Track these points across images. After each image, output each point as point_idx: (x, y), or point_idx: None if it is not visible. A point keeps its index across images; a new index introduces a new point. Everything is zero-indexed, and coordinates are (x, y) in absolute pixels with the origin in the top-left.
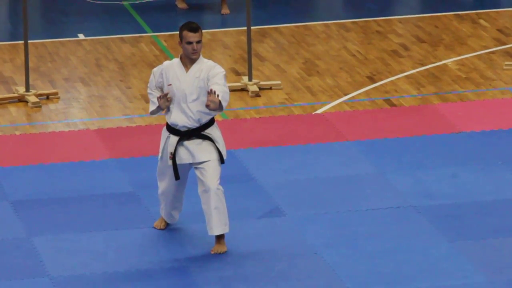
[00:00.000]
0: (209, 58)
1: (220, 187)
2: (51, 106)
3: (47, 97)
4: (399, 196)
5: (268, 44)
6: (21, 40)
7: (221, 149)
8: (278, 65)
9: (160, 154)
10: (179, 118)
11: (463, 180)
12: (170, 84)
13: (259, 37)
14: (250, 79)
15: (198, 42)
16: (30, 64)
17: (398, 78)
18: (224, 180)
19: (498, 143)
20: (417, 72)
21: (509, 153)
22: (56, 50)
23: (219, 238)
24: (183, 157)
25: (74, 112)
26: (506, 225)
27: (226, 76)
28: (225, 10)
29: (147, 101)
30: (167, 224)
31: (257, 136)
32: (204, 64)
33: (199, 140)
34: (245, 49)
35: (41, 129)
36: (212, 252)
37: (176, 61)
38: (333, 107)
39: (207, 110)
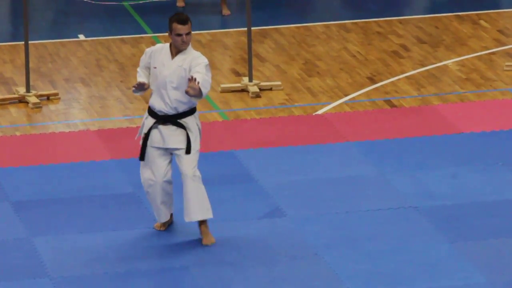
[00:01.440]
0: (210, 58)
1: (197, 173)
2: (52, 106)
3: (48, 97)
4: (399, 197)
5: (269, 45)
6: (21, 40)
7: (192, 139)
8: (278, 66)
9: (137, 135)
10: (157, 103)
11: (464, 181)
12: (155, 67)
13: (260, 37)
14: (250, 80)
15: (187, 34)
16: (31, 65)
17: (398, 79)
18: (224, 180)
19: (498, 144)
20: (418, 73)
21: (510, 154)
22: (57, 50)
23: (203, 229)
24: (155, 139)
25: (75, 112)
26: (507, 225)
27: (208, 66)
28: (226, 11)
29: (147, 101)
30: (168, 225)
31: (258, 136)
32: (190, 55)
33: (174, 127)
34: (246, 49)
35: (42, 129)
36: (204, 244)
37: (166, 46)
38: (333, 107)
39: (185, 100)
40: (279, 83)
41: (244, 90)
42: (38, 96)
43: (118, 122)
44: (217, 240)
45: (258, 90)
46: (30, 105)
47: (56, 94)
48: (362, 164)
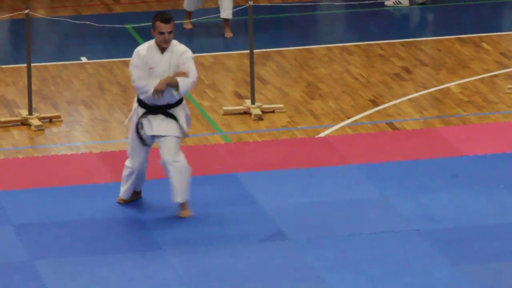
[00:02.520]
0: (212, 81)
1: (179, 158)
2: (54, 129)
3: (50, 120)
4: (401, 220)
5: (271, 67)
6: (24, 63)
7: (181, 124)
8: (280, 88)
9: (126, 121)
10: (149, 98)
11: (466, 204)
12: (152, 68)
13: (262, 60)
14: (252, 103)
15: (170, 32)
16: (33, 87)
17: (400, 102)
18: (226, 203)
19: (500, 167)
20: (420, 95)
21: None
22: (59, 73)
23: (182, 205)
24: (145, 128)
25: (77, 135)
26: (509, 248)
27: (193, 58)
28: (228, 34)
29: None
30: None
31: (260, 159)
32: (175, 49)
33: (163, 117)
34: (248, 72)
35: (44, 152)
36: (178, 216)
37: (152, 45)
38: (335, 130)
39: (176, 93)
40: (281, 105)
41: (246, 113)
42: (40, 119)
43: (121, 145)
44: (220, 264)
45: (260, 113)
46: (32, 127)
47: (59, 117)
48: (365, 186)
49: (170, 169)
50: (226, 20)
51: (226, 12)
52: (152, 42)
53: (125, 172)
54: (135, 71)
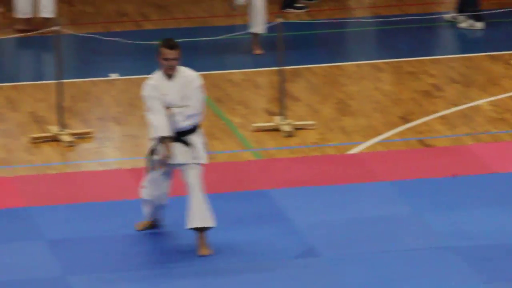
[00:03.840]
0: (242, 98)
1: (202, 184)
2: (85, 145)
3: (81, 136)
4: (435, 237)
5: (301, 84)
6: (53, 79)
7: (196, 153)
8: (311, 105)
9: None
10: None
11: (499, 221)
12: (164, 94)
13: (292, 77)
14: (283, 119)
15: (175, 59)
16: (63, 104)
17: (431, 119)
18: (258, 220)
19: None
20: (450, 112)
21: None
22: (89, 89)
23: (202, 239)
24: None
25: (108, 151)
26: None
27: (201, 87)
28: (258, 51)
29: None
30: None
31: (291, 176)
32: (184, 75)
33: (180, 145)
34: (278, 89)
35: (75, 168)
36: (198, 254)
37: (160, 74)
38: (366, 147)
39: (188, 119)
40: (312, 122)
41: (276, 129)
42: (71, 135)
43: None
44: (252, 281)
45: (291, 129)
46: (63, 143)
47: (90, 133)
48: (397, 203)
49: (194, 194)
50: (256, 35)
51: (260, 27)
52: (159, 72)
53: (144, 203)
54: (148, 101)
